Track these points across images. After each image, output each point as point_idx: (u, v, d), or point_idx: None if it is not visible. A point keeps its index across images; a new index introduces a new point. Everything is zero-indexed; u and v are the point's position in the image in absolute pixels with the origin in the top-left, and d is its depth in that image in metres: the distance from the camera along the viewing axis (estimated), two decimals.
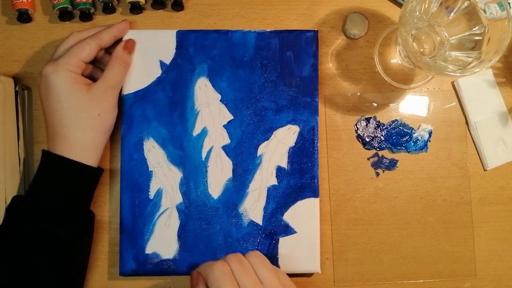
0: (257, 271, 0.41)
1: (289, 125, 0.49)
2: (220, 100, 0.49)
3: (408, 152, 0.51)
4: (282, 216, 0.48)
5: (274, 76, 0.50)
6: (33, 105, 0.50)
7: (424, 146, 0.51)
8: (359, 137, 0.51)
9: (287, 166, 0.49)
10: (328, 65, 0.52)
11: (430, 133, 0.51)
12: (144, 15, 0.52)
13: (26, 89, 0.50)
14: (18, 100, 0.48)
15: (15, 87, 0.48)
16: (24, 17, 0.50)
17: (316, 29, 0.50)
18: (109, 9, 0.50)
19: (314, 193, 0.49)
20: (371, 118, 0.51)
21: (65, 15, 0.50)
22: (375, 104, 0.51)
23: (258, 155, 0.49)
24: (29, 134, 0.50)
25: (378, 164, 0.51)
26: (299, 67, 0.50)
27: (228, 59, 0.50)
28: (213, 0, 0.52)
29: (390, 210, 0.51)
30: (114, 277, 0.49)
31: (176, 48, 0.49)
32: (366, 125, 0.51)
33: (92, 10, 0.51)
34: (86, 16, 0.51)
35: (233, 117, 0.49)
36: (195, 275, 0.41)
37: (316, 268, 0.48)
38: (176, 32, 0.49)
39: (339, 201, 0.51)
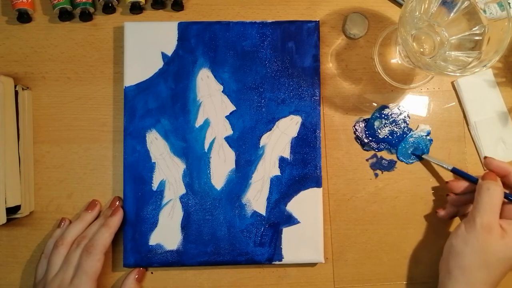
0: None
1: (292, 115, 0.49)
2: (222, 91, 0.49)
3: (406, 163, 0.51)
4: (285, 206, 0.49)
5: (276, 66, 0.50)
6: (33, 105, 0.50)
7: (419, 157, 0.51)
8: (357, 138, 0.51)
9: (290, 157, 0.49)
10: (328, 65, 0.52)
11: (428, 133, 0.51)
12: (144, 15, 0.52)
13: (26, 89, 0.50)
14: (18, 100, 0.48)
15: (15, 87, 0.48)
16: (24, 17, 0.50)
17: (318, 20, 0.50)
18: (109, 9, 0.50)
19: (317, 183, 0.49)
20: (368, 119, 0.51)
21: (65, 15, 0.50)
22: (375, 104, 0.51)
23: (260, 146, 0.49)
24: (29, 134, 0.50)
25: (377, 165, 0.51)
26: (300, 57, 0.50)
27: (230, 50, 0.50)
28: (213, 0, 0.52)
29: (390, 210, 0.51)
30: (118, 269, 0.49)
31: (177, 40, 0.50)
32: (364, 126, 0.51)
33: (92, 10, 0.51)
34: (86, 16, 0.51)
35: (235, 108, 0.49)
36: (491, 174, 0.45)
37: (319, 258, 0.48)
38: (178, 24, 0.50)
39: (339, 201, 0.51)
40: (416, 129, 0.51)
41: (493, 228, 0.42)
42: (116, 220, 0.47)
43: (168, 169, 0.49)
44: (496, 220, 0.42)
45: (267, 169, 0.49)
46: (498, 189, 0.43)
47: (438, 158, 0.51)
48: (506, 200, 0.44)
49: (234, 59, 0.50)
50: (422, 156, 0.50)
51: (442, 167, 0.49)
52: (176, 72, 0.49)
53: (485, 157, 0.47)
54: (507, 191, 0.45)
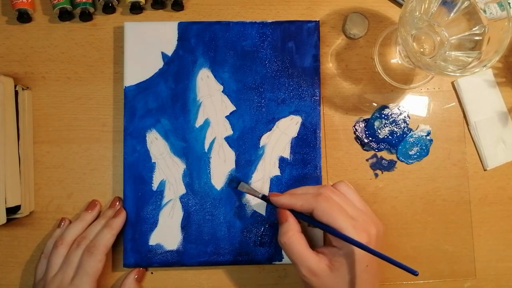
0: (350, 198, 0.44)
1: (292, 115, 0.49)
2: (222, 91, 0.49)
3: (407, 163, 0.51)
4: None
5: (276, 66, 0.50)
6: (33, 105, 0.50)
7: (420, 157, 0.51)
8: (357, 138, 0.51)
9: (290, 157, 0.49)
10: (328, 65, 0.52)
11: (428, 133, 0.51)
12: (144, 15, 0.52)
13: (26, 89, 0.50)
14: (18, 100, 0.48)
15: (15, 87, 0.48)
16: (24, 17, 0.50)
17: (318, 20, 0.50)
18: (109, 9, 0.50)
19: (317, 183, 0.49)
20: (368, 119, 0.51)
21: (65, 15, 0.50)
22: (375, 104, 0.51)
23: (260, 146, 0.49)
24: (29, 134, 0.50)
25: (377, 165, 0.51)
26: (300, 57, 0.50)
27: (230, 50, 0.50)
28: (213, 0, 0.52)
29: (390, 210, 0.51)
30: (118, 269, 0.49)
31: (177, 40, 0.50)
32: (364, 126, 0.51)
33: (92, 10, 0.51)
34: (86, 16, 0.51)
35: (235, 108, 0.49)
36: (282, 212, 0.44)
37: None
38: (178, 24, 0.50)
39: None
40: (416, 129, 0.51)
41: (317, 272, 0.40)
42: (119, 222, 0.47)
43: (168, 169, 0.49)
44: (312, 261, 0.41)
45: (267, 169, 0.49)
46: (294, 234, 0.42)
47: (439, 158, 0.51)
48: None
49: (234, 59, 0.50)
50: (238, 188, 0.48)
51: (254, 195, 0.47)
52: (176, 72, 0.49)
53: (270, 194, 0.45)
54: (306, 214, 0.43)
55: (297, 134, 0.49)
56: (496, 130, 0.51)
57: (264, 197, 0.46)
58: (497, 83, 0.52)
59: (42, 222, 0.50)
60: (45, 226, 0.50)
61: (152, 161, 0.49)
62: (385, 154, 0.51)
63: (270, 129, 0.49)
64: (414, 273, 0.37)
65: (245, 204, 0.49)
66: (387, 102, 0.51)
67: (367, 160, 0.51)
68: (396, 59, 0.51)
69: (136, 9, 0.51)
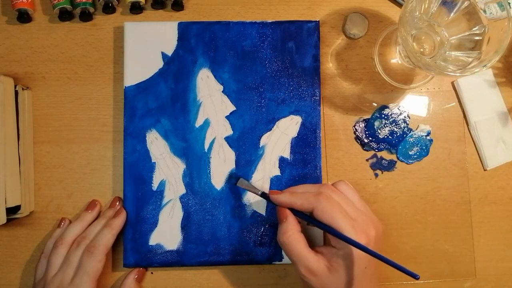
0: (350, 198, 0.44)
1: (292, 115, 0.49)
2: (222, 91, 0.49)
3: (407, 163, 0.51)
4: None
5: (276, 66, 0.50)
6: (33, 105, 0.50)
7: (420, 157, 0.51)
8: (357, 138, 0.51)
9: (290, 157, 0.49)
10: (328, 65, 0.52)
11: (428, 133, 0.51)
12: (144, 15, 0.52)
13: (26, 89, 0.50)
14: (18, 100, 0.48)
15: (15, 87, 0.48)
16: (24, 17, 0.50)
17: (318, 20, 0.50)
18: (109, 9, 0.50)
19: (317, 183, 0.49)
20: (369, 119, 0.51)
21: (65, 15, 0.50)
22: (375, 104, 0.51)
23: (260, 146, 0.49)
24: (29, 134, 0.50)
25: (377, 165, 0.51)
26: (300, 57, 0.50)
27: (230, 50, 0.50)
28: (213, 0, 0.52)
29: (390, 210, 0.51)
30: (118, 269, 0.49)
31: (178, 40, 0.50)
32: (364, 126, 0.51)
33: (92, 10, 0.51)
34: (86, 16, 0.51)
35: (235, 108, 0.49)
36: (282, 210, 0.44)
37: None
38: (178, 24, 0.50)
39: None
40: (416, 129, 0.51)
41: (315, 271, 0.40)
42: (119, 222, 0.47)
43: (168, 169, 0.49)
44: (311, 261, 0.41)
45: (267, 169, 0.49)
46: (293, 233, 0.42)
47: (439, 158, 0.51)
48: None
49: (234, 59, 0.50)
50: (237, 184, 0.47)
51: (253, 192, 0.47)
52: (176, 72, 0.49)
53: (270, 192, 0.45)
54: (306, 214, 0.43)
55: (297, 134, 0.49)
56: (496, 130, 0.51)
57: (263, 195, 0.46)
58: (497, 83, 0.52)
59: (42, 222, 0.50)
60: (45, 226, 0.50)
61: (152, 161, 0.49)
62: (385, 154, 0.51)
63: (270, 129, 0.49)
64: (415, 276, 0.37)
65: (245, 204, 0.49)
66: (387, 102, 0.51)
67: (367, 160, 0.51)
68: (396, 59, 0.51)
69: (136, 9, 0.51)
